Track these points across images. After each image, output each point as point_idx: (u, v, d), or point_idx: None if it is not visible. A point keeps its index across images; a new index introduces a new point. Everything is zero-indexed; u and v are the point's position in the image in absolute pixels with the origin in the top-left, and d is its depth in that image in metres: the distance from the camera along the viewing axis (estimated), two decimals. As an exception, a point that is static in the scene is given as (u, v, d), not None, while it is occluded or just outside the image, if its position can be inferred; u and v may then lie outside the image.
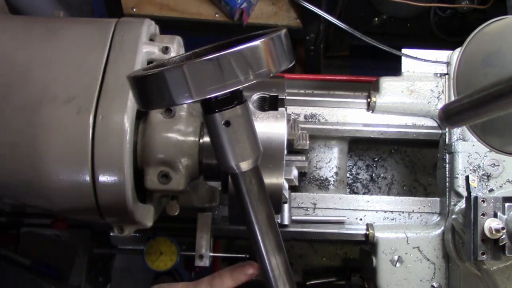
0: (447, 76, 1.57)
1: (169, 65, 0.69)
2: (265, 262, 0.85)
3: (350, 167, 1.89)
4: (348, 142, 1.74)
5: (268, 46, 0.70)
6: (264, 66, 0.69)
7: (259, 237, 0.83)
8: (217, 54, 0.66)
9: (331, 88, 1.77)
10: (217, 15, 2.20)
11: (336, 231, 1.55)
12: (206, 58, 0.66)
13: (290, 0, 2.22)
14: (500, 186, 1.48)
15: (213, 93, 0.67)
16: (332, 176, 1.72)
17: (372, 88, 1.63)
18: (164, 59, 1.20)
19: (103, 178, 1.08)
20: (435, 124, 1.60)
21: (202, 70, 0.66)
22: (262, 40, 0.69)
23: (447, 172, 1.51)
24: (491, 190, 1.48)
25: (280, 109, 1.33)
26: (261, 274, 0.90)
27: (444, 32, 2.45)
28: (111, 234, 1.59)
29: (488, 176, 1.48)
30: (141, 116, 1.18)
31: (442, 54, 1.58)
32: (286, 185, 1.31)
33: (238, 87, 0.68)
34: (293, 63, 0.76)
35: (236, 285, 0.97)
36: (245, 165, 0.77)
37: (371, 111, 1.61)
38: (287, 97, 1.58)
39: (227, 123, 0.74)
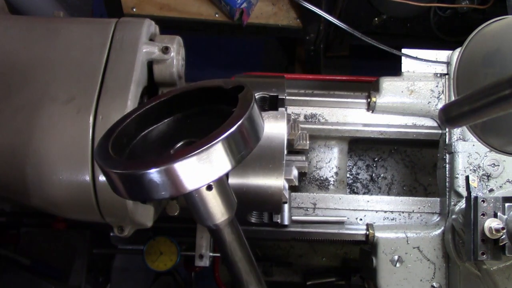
0: (447, 76, 1.57)
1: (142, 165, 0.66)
2: None
3: (350, 167, 1.89)
4: (348, 142, 1.74)
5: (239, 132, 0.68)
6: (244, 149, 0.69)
7: (242, 276, 0.89)
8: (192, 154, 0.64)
9: (331, 88, 1.77)
10: (217, 15, 2.19)
11: (336, 231, 1.55)
12: (187, 156, 0.64)
13: (290, 0, 2.22)
14: (500, 186, 1.48)
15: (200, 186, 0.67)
16: (332, 176, 1.72)
17: (372, 88, 1.63)
18: (164, 58, 1.20)
19: (103, 178, 1.08)
20: (435, 124, 1.59)
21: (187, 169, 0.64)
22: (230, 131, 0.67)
23: (447, 172, 1.51)
24: (491, 190, 1.47)
25: (280, 109, 1.33)
26: None
27: (444, 32, 2.45)
28: (111, 234, 1.59)
29: (488, 176, 1.48)
30: (141, 116, 1.18)
31: (442, 54, 1.58)
32: (286, 185, 1.31)
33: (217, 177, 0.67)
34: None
35: None
36: (223, 223, 0.80)
37: (371, 111, 1.61)
38: (287, 97, 1.58)
39: (209, 187, 0.75)
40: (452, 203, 1.49)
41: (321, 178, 1.72)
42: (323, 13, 1.64)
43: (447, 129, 1.53)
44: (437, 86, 1.57)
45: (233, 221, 0.82)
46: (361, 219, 1.59)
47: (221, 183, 0.77)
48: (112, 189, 0.71)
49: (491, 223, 1.23)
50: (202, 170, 0.64)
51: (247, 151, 0.69)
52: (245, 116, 0.68)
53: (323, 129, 1.63)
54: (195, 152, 0.64)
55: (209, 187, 0.75)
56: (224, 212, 0.78)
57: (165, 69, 1.22)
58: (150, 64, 1.21)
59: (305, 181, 1.72)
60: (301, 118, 1.65)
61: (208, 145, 0.64)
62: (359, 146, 1.88)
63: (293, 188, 1.56)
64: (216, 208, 0.77)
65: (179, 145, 0.76)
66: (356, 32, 1.59)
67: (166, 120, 0.86)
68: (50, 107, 1.09)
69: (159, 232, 1.61)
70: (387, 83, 1.58)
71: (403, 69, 1.59)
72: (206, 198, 0.76)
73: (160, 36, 1.27)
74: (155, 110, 0.85)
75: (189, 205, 0.77)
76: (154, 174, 0.64)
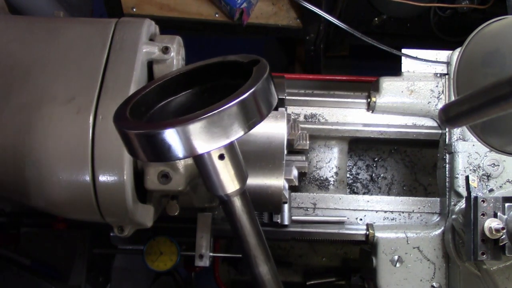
0: (447, 76, 1.57)
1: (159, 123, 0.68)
2: (256, 270, 0.93)
3: (350, 167, 1.89)
4: (348, 142, 1.74)
5: (254, 96, 0.70)
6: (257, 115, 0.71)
7: (251, 251, 0.91)
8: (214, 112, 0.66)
9: (331, 88, 1.77)
10: (217, 15, 2.19)
11: (336, 231, 1.55)
12: (203, 117, 0.65)
13: (290, 0, 2.22)
14: (500, 186, 1.48)
15: (212, 149, 0.68)
16: (332, 176, 1.72)
17: (372, 88, 1.63)
18: (164, 58, 1.20)
19: (103, 178, 1.08)
20: (435, 124, 1.60)
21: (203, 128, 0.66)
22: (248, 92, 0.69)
23: (447, 172, 1.51)
24: (491, 190, 1.47)
25: (280, 109, 1.33)
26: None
27: (444, 32, 2.45)
28: (111, 234, 1.59)
29: (488, 176, 1.48)
30: (141, 116, 1.18)
31: (442, 54, 1.58)
32: (286, 185, 1.31)
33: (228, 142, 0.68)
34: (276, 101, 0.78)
35: None
36: (234, 193, 0.81)
37: (371, 111, 1.61)
38: (287, 97, 1.58)
39: (221, 157, 0.77)
40: (452, 203, 1.49)
41: (321, 178, 1.72)
42: (323, 13, 1.64)
43: (447, 129, 1.53)
44: (437, 86, 1.57)
45: (244, 193, 0.84)
46: (361, 219, 1.59)
47: (234, 153, 0.78)
48: (128, 151, 0.73)
49: (491, 223, 1.23)
50: (214, 133, 0.66)
51: (258, 118, 0.71)
52: (257, 85, 0.70)
53: (323, 129, 1.63)
54: (207, 115, 0.65)
55: (221, 156, 0.77)
56: (236, 182, 0.80)
57: (165, 69, 1.22)
58: (150, 64, 1.21)
59: (305, 181, 1.72)
60: (301, 118, 1.65)
61: (220, 109, 0.66)
62: (359, 146, 1.88)
63: (293, 188, 1.56)
64: (228, 178, 0.79)
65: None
66: (356, 32, 1.59)
67: (184, 93, 0.88)
68: (50, 107, 1.09)
69: (159, 232, 1.61)
70: (387, 83, 1.58)
71: (403, 69, 1.59)
72: (218, 166, 0.77)
73: (160, 36, 1.27)
74: (174, 83, 0.88)
75: (201, 172, 0.79)
76: (166, 134, 0.66)
